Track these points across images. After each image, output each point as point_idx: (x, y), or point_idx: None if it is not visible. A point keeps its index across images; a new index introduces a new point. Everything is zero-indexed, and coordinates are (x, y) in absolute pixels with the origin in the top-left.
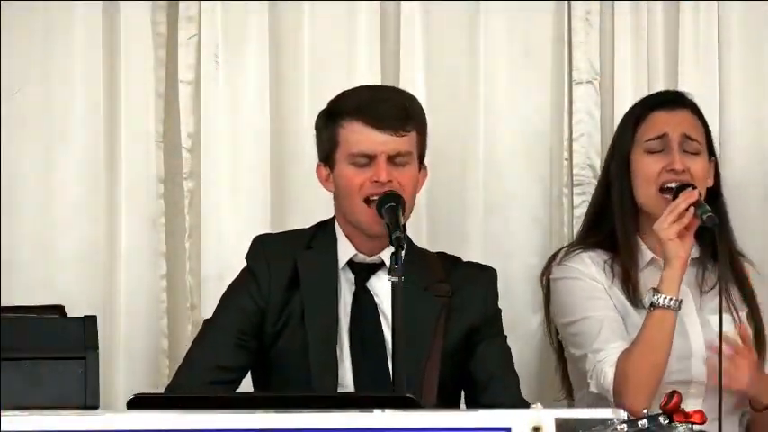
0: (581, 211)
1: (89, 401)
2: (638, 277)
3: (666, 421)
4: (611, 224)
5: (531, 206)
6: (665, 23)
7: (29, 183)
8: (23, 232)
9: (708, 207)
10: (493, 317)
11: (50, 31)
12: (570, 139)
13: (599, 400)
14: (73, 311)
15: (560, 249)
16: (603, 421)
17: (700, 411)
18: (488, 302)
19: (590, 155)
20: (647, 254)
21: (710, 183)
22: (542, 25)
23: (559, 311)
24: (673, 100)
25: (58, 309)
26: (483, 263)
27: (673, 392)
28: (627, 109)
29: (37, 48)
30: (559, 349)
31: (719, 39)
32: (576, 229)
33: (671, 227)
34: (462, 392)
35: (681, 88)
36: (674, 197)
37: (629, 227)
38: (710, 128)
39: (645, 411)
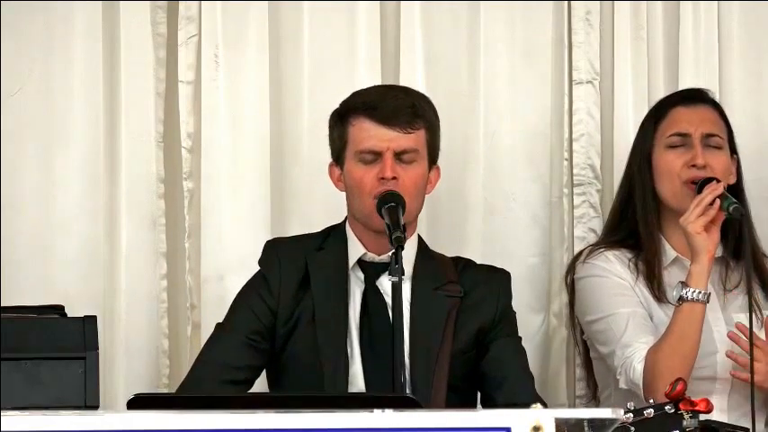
0: (581, 211)
1: (89, 401)
2: (662, 275)
3: (672, 410)
4: (634, 223)
5: (531, 206)
6: (665, 23)
7: (29, 183)
8: (23, 232)
9: (733, 199)
10: (506, 317)
11: (50, 31)
12: (570, 140)
13: (626, 400)
14: (73, 311)
15: (584, 249)
16: (605, 421)
17: (705, 399)
18: (500, 303)
19: (590, 155)
20: (670, 253)
21: (733, 180)
22: (542, 25)
23: (585, 310)
24: (693, 96)
25: (58, 309)
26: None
27: (677, 380)
28: (627, 109)
29: (37, 48)
30: (584, 351)
31: (719, 39)
32: (577, 229)
33: (697, 220)
34: (478, 392)
35: (681, 88)
36: (699, 192)
37: (653, 224)
38: None
39: (650, 401)
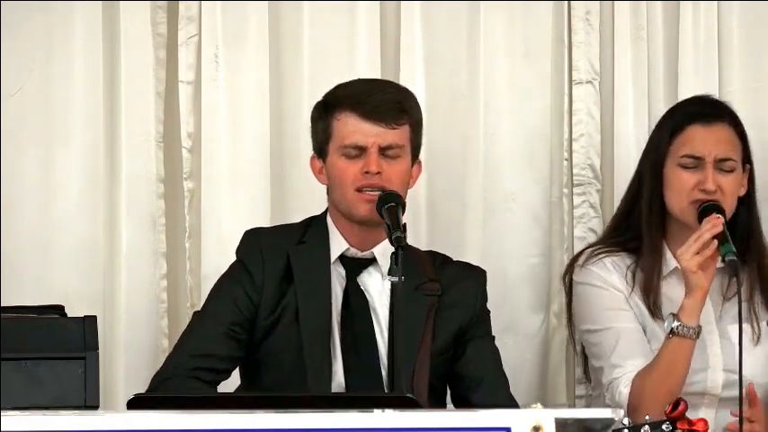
0: (581, 211)
1: (89, 401)
2: (659, 286)
3: (669, 428)
4: (638, 229)
5: (531, 206)
6: (665, 23)
7: (29, 183)
8: (23, 232)
9: (731, 246)
10: (482, 317)
11: (50, 31)
12: (570, 140)
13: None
14: (73, 311)
15: (584, 250)
16: (605, 422)
17: (703, 420)
18: (478, 302)
19: (590, 155)
20: (671, 262)
21: (743, 192)
22: (542, 25)
23: (580, 317)
24: (711, 113)
25: (58, 309)
26: (476, 263)
27: (678, 400)
28: (627, 109)
29: (37, 48)
30: (581, 346)
31: (719, 39)
32: (577, 229)
33: (693, 258)
34: (448, 390)
35: (681, 88)
36: (700, 217)
37: (656, 233)
38: None
39: (647, 417)
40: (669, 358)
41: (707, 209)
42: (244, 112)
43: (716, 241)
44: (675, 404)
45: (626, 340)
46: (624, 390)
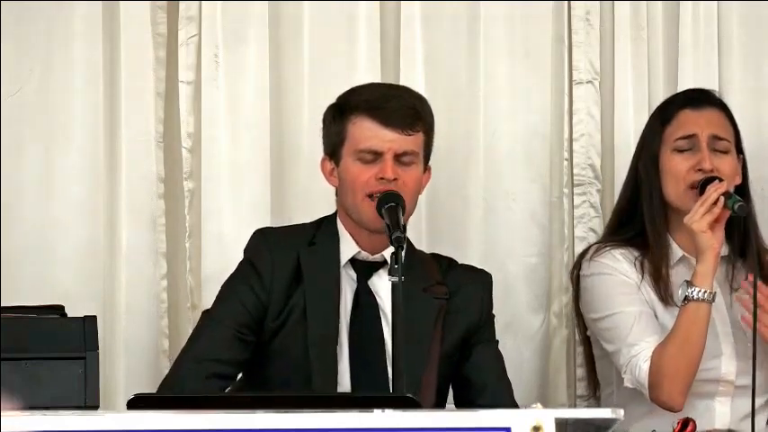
0: (581, 211)
1: (89, 401)
2: (669, 274)
3: None
4: (641, 222)
5: (531, 206)
6: (665, 23)
7: (29, 183)
8: (23, 232)
9: (738, 197)
10: (488, 321)
11: (50, 31)
12: (570, 139)
13: (628, 400)
14: (73, 311)
15: (590, 246)
16: (603, 422)
17: None
18: (485, 306)
19: (590, 155)
20: (677, 252)
21: (738, 180)
22: (542, 25)
23: (591, 307)
24: (700, 98)
25: (58, 309)
26: (479, 265)
27: (687, 420)
28: (627, 109)
29: (37, 48)
30: (587, 348)
31: (719, 39)
32: (577, 229)
33: (702, 219)
34: (451, 392)
35: (681, 88)
36: (701, 191)
37: (660, 225)
38: None
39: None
40: (686, 326)
41: (707, 181)
42: (244, 112)
43: (722, 200)
44: (684, 424)
45: (642, 322)
46: (644, 365)
